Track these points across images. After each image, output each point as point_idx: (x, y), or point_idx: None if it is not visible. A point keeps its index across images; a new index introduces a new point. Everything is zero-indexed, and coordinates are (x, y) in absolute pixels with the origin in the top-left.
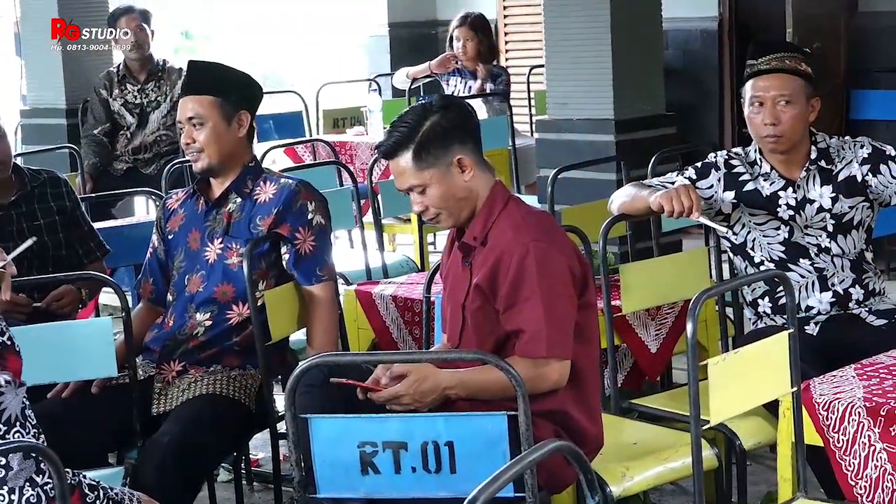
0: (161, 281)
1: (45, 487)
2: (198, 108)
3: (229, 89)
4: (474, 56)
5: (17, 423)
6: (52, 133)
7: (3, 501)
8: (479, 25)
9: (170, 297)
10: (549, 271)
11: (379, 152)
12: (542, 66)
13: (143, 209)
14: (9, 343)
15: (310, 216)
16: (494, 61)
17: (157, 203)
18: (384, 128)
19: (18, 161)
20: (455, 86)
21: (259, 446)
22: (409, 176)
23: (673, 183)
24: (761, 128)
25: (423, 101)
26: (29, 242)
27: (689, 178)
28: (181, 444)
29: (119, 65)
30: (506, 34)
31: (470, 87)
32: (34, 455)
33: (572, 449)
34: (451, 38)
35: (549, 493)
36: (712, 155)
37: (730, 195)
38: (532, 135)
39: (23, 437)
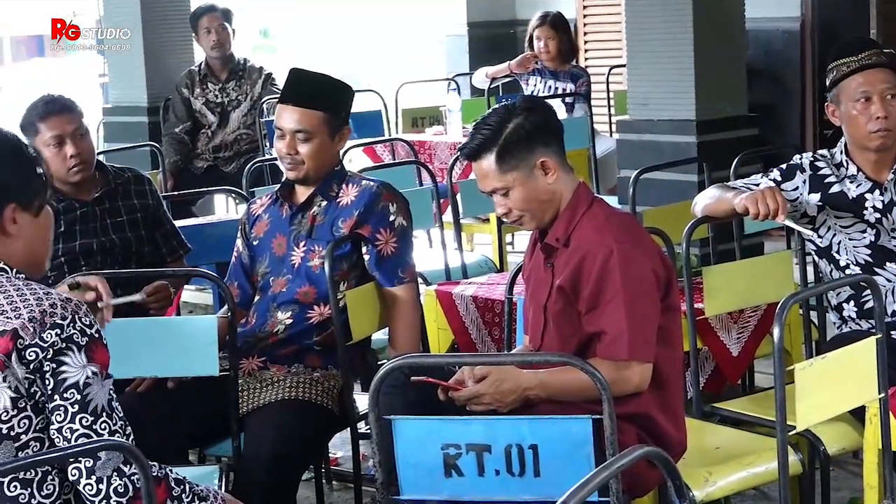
0: (246, 285)
1: (132, 477)
2: (307, 122)
3: (339, 106)
4: (556, 55)
5: (104, 414)
6: (134, 131)
7: (91, 491)
8: (559, 24)
9: (256, 298)
10: (633, 273)
11: (462, 154)
12: (621, 66)
13: (223, 207)
14: (96, 336)
15: (392, 218)
16: (574, 61)
17: (237, 201)
18: (463, 127)
19: (101, 159)
20: (535, 85)
21: (337, 445)
22: (492, 178)
23: (758, 185)
24: (871, 122)
25: (507, 103)
26: (135, 298)
27: (774, 180)
28: (277, 460)
29: (200, 63)
30: (585, 34)
31: (550, 87)
32: (117, 451)
33: (661, 454)
34: (531, 37)
35: (630, 497)
36: (797, 157)
37: (815, 197)
38: (611, 135)
39: (109, 427)
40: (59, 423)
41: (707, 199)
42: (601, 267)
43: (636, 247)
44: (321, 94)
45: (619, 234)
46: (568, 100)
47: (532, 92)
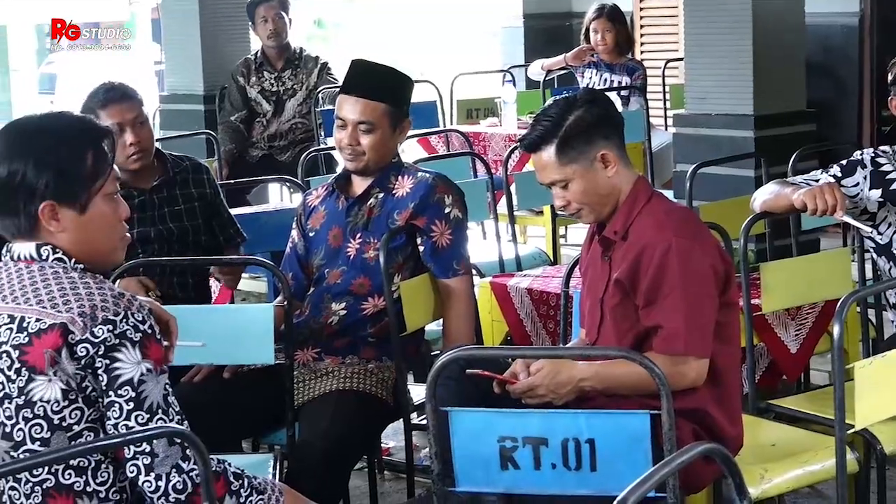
0: (300, 275)
1: (190, 474)
2: (370, 114)
3: (402, 98)
4: (612, 48)
5: (160, 411)
6: (190, 119)
7: (150, 487)
8: (616, 17)
9: (311, 289)
10: (691, 268)
11: (522, 145)
12: (678, 59)
13: (278, 196)
14: (150, 332)
15: (447, 210)
16: (630, 54)
17: (292, 190)
18: (518, 119)
19: (159, 146)
20: (590, 78)
21: (389, 435)
22: (551, 170)
23: (817, 181)
24: None
25: (568, 95)
26: (197, 344)
27: (834, 176)
28: (331, 450)
29: (257, 52)
30: (641, 27)
31: (605, 80)
32: (179, 441)
33: (721, 451)
34: (588, 29)
35: (685, 494)
36: (858, 153)
37: (876, 193)
38: (666, 129)
39: (165, 423)
40: (114, 419)
41: (766, 195)
42: (659, 261)
43: (695, 242)
44: (385, 86)
45: (679, 229)
46: (623, 93)
47: (587, 85)
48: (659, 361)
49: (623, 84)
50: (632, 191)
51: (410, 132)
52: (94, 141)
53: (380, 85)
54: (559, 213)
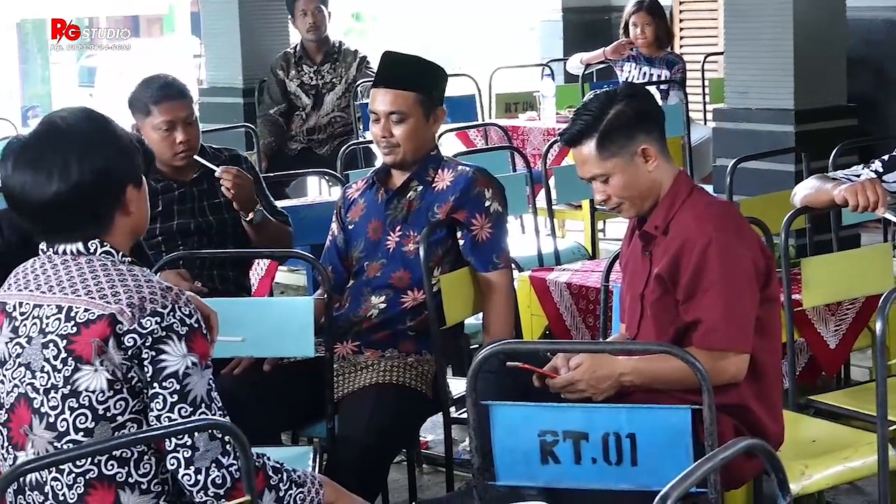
0: (340, 268)
1: (230, 469)
2: (401, 103)
3: (432, 86)
4: (651, 42)
5: (203, 405)
6: (229, 112)
7: (189, 481)
8: (655, 10)
9: (350, 282)
10: (732, 263)
11: (562, 139)
12: (717, 53)
13: (316, 190)
14: (196, 326)
15: (487, 203)
16: (669, 47)
17: (331, 183)
18: (557, 113)
19: None
20: (629, 72)
21: (428, 429)
22: (591, 165)
23: (858, 176)
24: None
25: (608, 89)
26: (238, 339)
27: (876, 171)
28: (371, 443)
29: (296, 46)
30: (681, 20)
31: (645, 74)
32: (220, 437)
33: (764, 447)
34: (627, 23)
35: (725, 489)
36: None
37: None
38: (706, 123)
39: (208, 417)
40: (157, 411)
41: (806, 190)
42: (700, 256)
43: (736, 236)
44: (413, 75)
45: (720, 223)
46: (662, 87)
47: (626, 78)
48: (699, 356)
49: (662, 78)
50: (672, 185)
51: (449, 126)
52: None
53: (409, 74)
54: (598, 207)
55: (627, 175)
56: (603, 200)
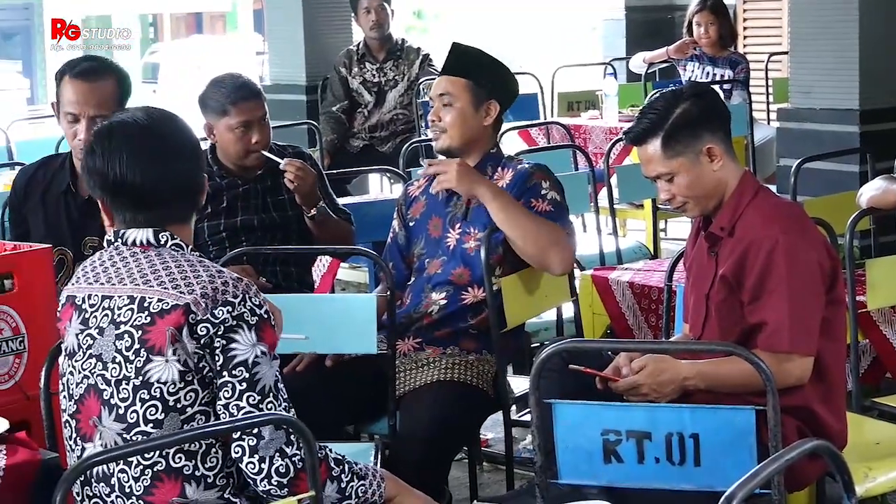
0: (401, 265)
1: (293, 458)
2: (450, 87)
3: (484, 76)
4: (715, 41)
5: (270, 395)
6: (292, 109)
7: (253, 469)
8: (719, 9)
9: (412, 279)
10: (798, 264)
11: (627, 138)
12: (781, 53)
13: (378, 187)
14: (265, 317)
15: (544, 192)
16: (733, 47)
17: (393, 180)
18: (619, 112)
19: None
20: (692, 71)
21: (488, 426)
22: (656, 163)
23: None
24: None
25: (674, 88)
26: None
27: None
28: (432, 440)
29: (359, 43)
30: (745, 20)
31: (708, 73)
32: (285, 427)
33: (830, 448)
34: (690, 22)
35: (788, 491)
36: None
37: None
38: (769, 123)
39: (275, 408)
40: (225, 399)
41: (872, 191)
42: (766, 257)
43: (803, 238)
44: (467, 64)
45: (786, 225)
46: (725, 86)
47: (689, 78)
48: (763, 358)
49: (725, 78)
50: (738, 186)
51: (511, 124)
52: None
53: (464, 62)
54: (660, 206)
55: (692, 174)
56: (667, 199)
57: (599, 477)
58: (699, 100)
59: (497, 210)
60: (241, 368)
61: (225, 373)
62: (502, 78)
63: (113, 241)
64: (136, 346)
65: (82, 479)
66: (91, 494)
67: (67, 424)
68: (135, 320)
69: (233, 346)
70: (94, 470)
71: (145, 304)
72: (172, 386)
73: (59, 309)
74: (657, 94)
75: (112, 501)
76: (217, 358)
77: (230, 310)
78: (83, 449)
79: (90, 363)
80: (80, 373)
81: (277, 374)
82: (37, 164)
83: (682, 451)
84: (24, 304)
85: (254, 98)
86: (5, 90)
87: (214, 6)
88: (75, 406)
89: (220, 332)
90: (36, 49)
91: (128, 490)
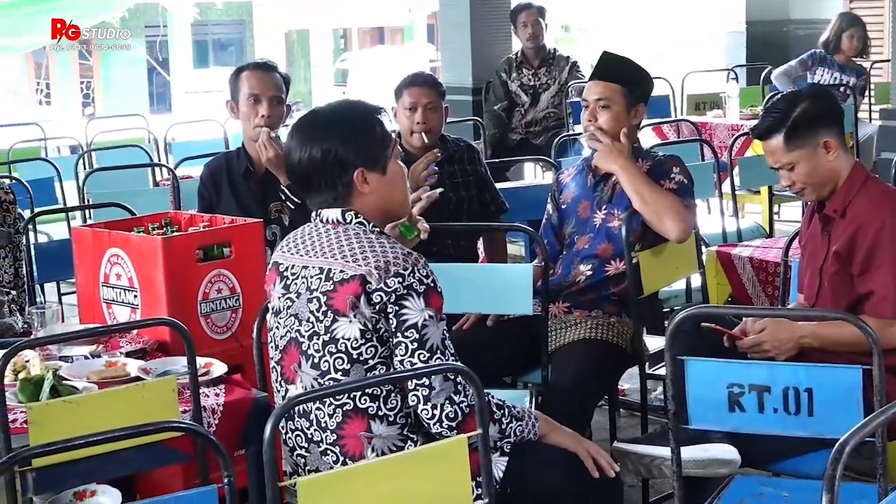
0: (554, 242)
1: (461, 405)
2: (607, 92)
3: (636, 82)
4: (861, 49)
5: (438, 351)
6: (461, 108)
7: (427, 415)
8: (860, 22)
9: (563, 253)
10: None
11: (753, 134)
12: (883, 61)
13: (532, 174)
14: (432, 285)
15: (673, 175)
16: (866, 55)
17: (545, 168)
18: (740, 111)
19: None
20: (821, 76)
21: (625, 379)
22: (779, 155)
23: None
24: None
25: (794, 89)
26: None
27: None
28: (578, 389)
29: (517, 52)
30: None
31: (836, 78)
32: (452, 378)
33: None
34: (839, 35)
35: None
36: None
37: None
38: (870, 121)
39: (443, 362)
40: (400, 356)
41: None
42: (874, 235)
43: None
44: (620, 71)
45: (892, 208)
46: (842, 89)
47: (818, 80)
48: (870, 323)
49: (850, 84)
50: (850, 174)
51: (646, 122)
52: (376, 115)
53: (616, 70)
54: (776, 193)
55: (811, 164)
56: (788, 185)
57: (724, 423)
58: (817, 100)
59: (626, 180)
60: (412, 330)
61: (399, 334)
62: (647, 82)
63: (313, 218)
64: (324, 308)
65: (287, 414)
66: (293, 428)
67: (274, 369)
68: (322, 287)
69: (404, 311)
70: (297, 408)
71: (331, 275)
72: (355, 342)
73: (266, 272)
74: (778, 96)
75: (311, 434)
76: (391, 321)
77: (401, 280)
78: (287, 390)
79: (290, 321)
80: (283, 328)
81: (445, 332)
82: (216, 159)
83: (797, 403)
84: (239, 269)
85: (423, 85)
86: (222, 91)
87: (395, 21)
88: (280, 355)
89: (392, 300)
90: (246, 57)
91: (323, 425)
